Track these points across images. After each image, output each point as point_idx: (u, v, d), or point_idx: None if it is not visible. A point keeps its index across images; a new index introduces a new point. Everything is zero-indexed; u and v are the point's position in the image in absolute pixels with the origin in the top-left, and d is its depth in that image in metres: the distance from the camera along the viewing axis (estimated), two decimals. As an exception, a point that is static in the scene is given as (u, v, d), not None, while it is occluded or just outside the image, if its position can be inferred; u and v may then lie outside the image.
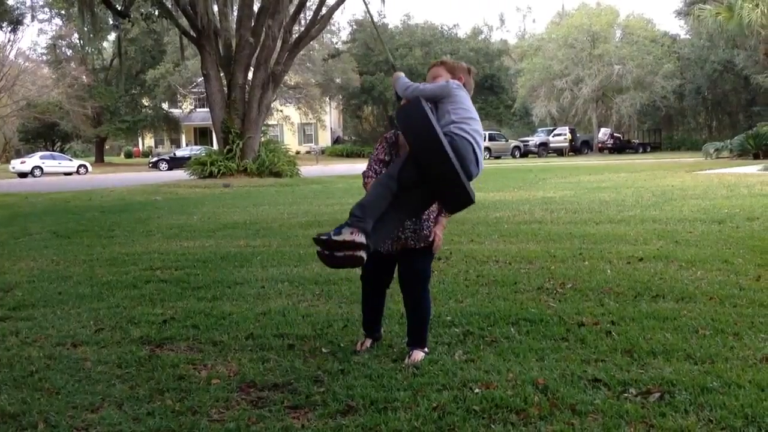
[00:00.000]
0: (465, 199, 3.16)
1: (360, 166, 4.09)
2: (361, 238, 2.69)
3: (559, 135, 48.80)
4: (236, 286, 5.96)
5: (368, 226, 2.83)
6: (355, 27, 58.90)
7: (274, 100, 31.04)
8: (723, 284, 5.42)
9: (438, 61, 3.54)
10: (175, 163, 39.76)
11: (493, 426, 3.05)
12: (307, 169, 28.16)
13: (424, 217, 3.84)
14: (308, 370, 3.80)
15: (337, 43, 57.13)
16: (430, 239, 3.88)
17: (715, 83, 51.26)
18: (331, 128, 61.98)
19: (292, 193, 17.27)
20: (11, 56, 48.16)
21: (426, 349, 3.99)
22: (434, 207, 3.83)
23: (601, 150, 48.72)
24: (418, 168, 2.96)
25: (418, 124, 2.90)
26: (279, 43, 23.33)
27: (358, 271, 4.07)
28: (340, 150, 54.70)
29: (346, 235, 2.70)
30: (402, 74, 3.42)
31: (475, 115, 3.24)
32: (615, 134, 50.04)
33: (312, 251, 7.65)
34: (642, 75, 48.08)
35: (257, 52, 22.61)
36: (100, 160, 53.81)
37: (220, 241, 8.93)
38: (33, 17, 50.01)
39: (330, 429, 3.09)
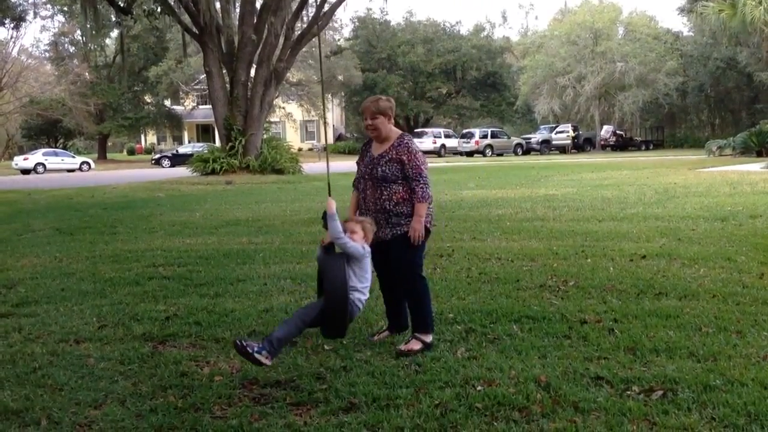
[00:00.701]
0: (338, 336, 3.99)
1: (362, 163, 4.15)
2: (269, 362, 3.59)
3: (562, 132, 48.66)
4: (238, 283, 5.97)
5: (278, 353, 3.70)
6: (357, 24, 58.84)
7: (276, 97, 31.00)
8: (726, 282, 5.42)
9: (360, 219, 4.07)
10: (177, 160, 39.67)
11: (495, 423, 3.05)
12: (309, 166, 28.11)
13: (395, 211, 4.04)
14: (311, 367, 3.81)
15: (339, 40, 57.03)
16: (404, 230, 4.02)
17: (718, 81, 51.08)
18: (333, 125, 61.92)
19: (294, 190, 17.28)
20: (14, 53, 48.25)
21: (428, 339, 4.05)
22: (406, 202, 4.05)
23: (603, 147, 48.59)
24: (323, 318, 3.78)
25: (338, 287, 3.73)
26: (281, 40, 23.30)
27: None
28: (342, 147, 54.62)
29: (263, 359, 3.54)
30: (334, 208, 3.86)
31: (369, 280, 3.97)
32: (617, 131, 49.88)
33: (313, 248, 7.67)
34: (645, 72, 47.89)
35: (259, 49, 22.60)
36: (102, 157, 53.87)
37: (222, 238, 8.93)
38: (35, 14, 49.99)
39: (332, 426, 3.09)
